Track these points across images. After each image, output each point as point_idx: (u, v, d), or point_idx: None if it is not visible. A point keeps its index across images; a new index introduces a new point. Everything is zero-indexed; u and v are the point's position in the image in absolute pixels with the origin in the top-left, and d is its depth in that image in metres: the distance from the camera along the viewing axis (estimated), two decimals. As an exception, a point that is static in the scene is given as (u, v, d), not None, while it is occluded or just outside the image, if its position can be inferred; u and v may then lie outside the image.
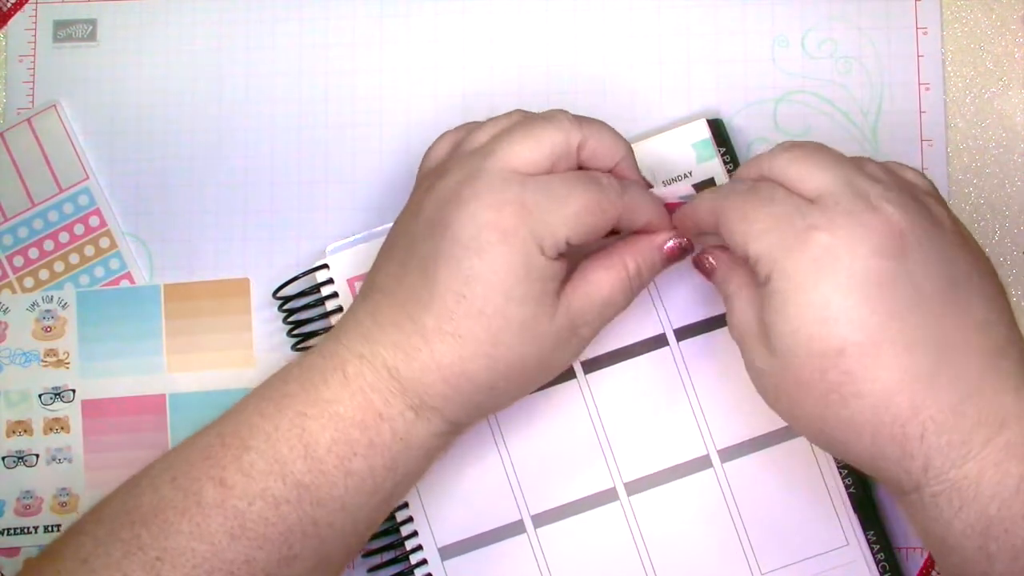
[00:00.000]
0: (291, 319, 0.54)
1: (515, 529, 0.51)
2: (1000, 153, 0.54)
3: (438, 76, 0.56)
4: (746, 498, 0.50)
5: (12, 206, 0.57)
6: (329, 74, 0.57)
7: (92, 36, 0.58)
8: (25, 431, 0.55)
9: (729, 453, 0.51)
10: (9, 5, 0.58)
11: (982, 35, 0.54)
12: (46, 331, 0.56)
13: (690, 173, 0.52)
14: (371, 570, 0.52)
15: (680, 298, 0.51)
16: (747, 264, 0.43)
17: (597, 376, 0.51)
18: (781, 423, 0.50)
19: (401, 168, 0.56)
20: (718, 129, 0.53)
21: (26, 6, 0.58)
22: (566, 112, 0.45)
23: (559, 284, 0.43)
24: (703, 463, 0.51)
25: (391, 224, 0.47)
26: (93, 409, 0.55)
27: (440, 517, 0.51)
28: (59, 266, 0.56)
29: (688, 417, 0.51)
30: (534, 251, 0.42)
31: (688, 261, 0.49)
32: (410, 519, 0.51)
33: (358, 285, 0.53)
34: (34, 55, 0.58)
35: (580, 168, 0.45)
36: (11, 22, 0.58)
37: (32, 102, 0.58)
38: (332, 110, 0.57)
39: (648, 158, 0.52)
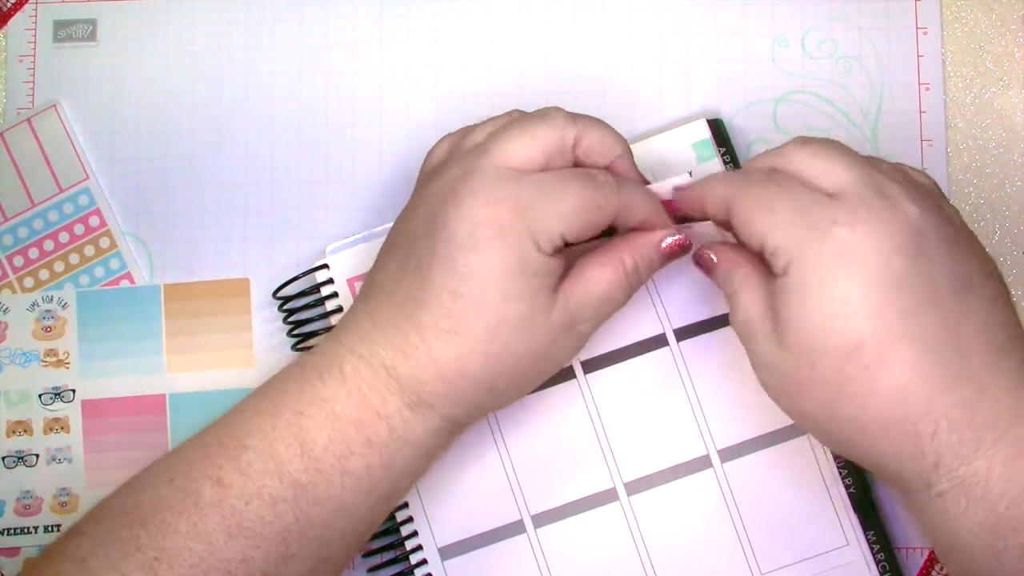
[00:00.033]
0: (291, 319, 0.54)
1: (515, 529, 0.51)
2: (1000, 153, 0.54)
3: (438, 76, 0.56)
4: (746, 498, 0.50)
5: (12, 206, 0.57)
6: (329, 74, 0.57)
7: (92, 36, 0.58)
8: (25, 431, 0.55)
9: (729, 453, 0.51)
10: (9, 5, 0.58)
11: (982, 35, 0.54)
12: (46, 331, 0.56)
13: (690, 173, 0.52)
14: (371, 570, 0.52)
15: (680, 298, 0.51)
16: (754, 257, 0.43)
17: (597, 376, 0.51)
18: (781, 423, 0.50)
19: (401, 168, 0.56)
20: (718, 129, 0.53)
21: (26, 6, 0.58)
22: (561, 109, 0.45)
23: (556, 280, 0.43)
24: (703, 463, 0.51)
25: (391, 224, 0.47)
26: (93, 409, 0.55)
27: (440, 517, 0.51)
28: (59, 266, 0.56)
29: (688, 417, 0.51)
30: (530, 247, 0.42)
31: (688, 262, 0.49)
32: (410, 519, 0.51)
33: (358, 285, 0.53)
34: (34, 55, 0.58)
35: (577, 165, 0.45)
36: (11, 22, 0.58)
37: (32, 102, 0.58)
38: (332, 110, 0.57)
39: (648, 158, 0.53)
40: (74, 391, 0.56)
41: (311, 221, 0.56)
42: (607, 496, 0.51)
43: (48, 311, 0.56)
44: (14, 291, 0.56)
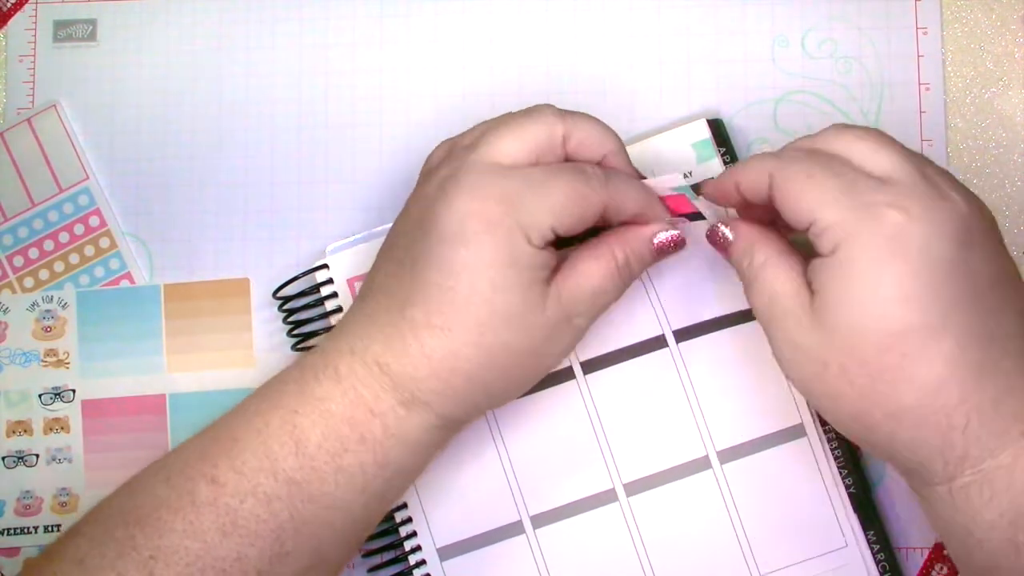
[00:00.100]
0: (291, 319, 0.54)
1: (514, 530, 0.51)
2: (1000, 153, 0.54)
3: (438, 76, 0.56)
4: (745, 499, 0.50)
5: (12, 206, 0.57)
6: (329, 74, 0.57)
7: (92, 36, 0.58)
8: (25, 431, 0.55)
9: (728, 454, 0.50)
10: (9, 5, 0.58)
11: (982, 35, 0.54)
12: (46, 331, 0.56)
13: (690, 173, 0.52)
14: (371, 570, 0.52)
15: (679, 299, 0.51)
16: (776, 235, 0.43)
17: (596, 377, 0.51)
18: (781, 424, 0.50)
19: (401, 168, 0.56)
20: (718, 129, 0.53)
21: (26, 6, 0.58)
22: (552, 106, 0.45)
23: (548, 273, 0.43)
24: (702, 464, 0.51)
25: (391, 224, 0.47)
26: (93, 409, 0.55)
27: (439, 518, 0.51)
28: (59, 266, 0.56)
29: (687, 418, 0.51)
30: (519, 240, 0.42)
31: (687, 263, 0.49)
32: (409, 519, 0.51)
33: (358, 285, 0.53)
34: (34, 55, 0.58)
35: (569, 161, 0.45)
36: (11, 22, 0.58)
37: (32, 102, 0.58)
38: (332, 110, 0.57)
39: (648, 158, 0.53)
40: (74, 391, 0.56)
41: (311, 221, 0.56)
42: (606, 497, 0.51)
43: (48, 311, 0.56)
44: (14, 291, 0.56)
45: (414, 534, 0.51)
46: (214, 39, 0.58)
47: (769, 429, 0.50)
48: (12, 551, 0.55)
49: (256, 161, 0.57)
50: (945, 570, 0.51)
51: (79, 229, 0.57)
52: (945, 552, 0.51)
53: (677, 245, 0.46)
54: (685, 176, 0.52)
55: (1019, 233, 0.53)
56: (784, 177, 0.41)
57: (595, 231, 0.46)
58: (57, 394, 0.56)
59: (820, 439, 0.50)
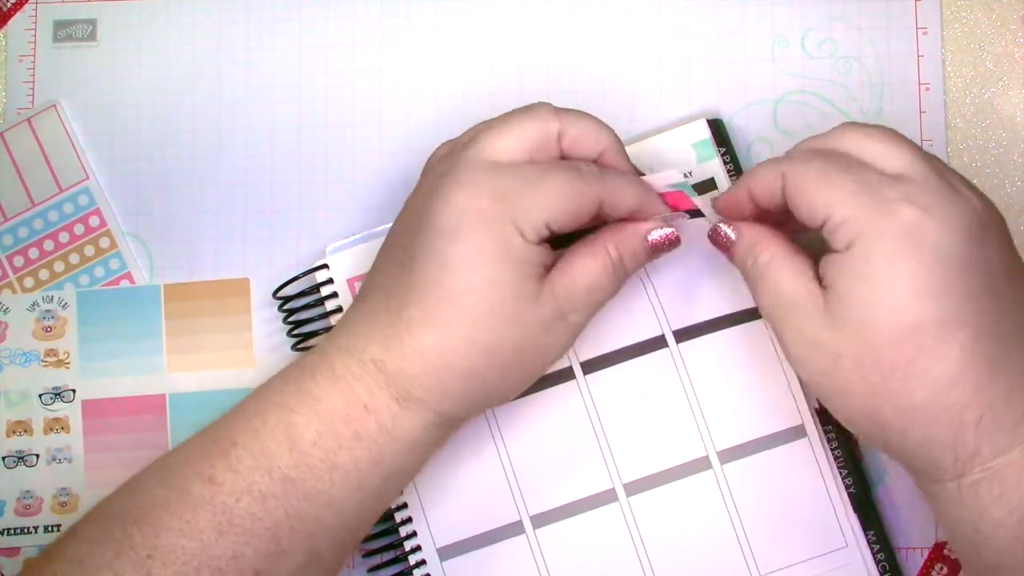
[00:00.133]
0: (291, 319, 0.54)
1: (514, 530, 0.51)
2: (1000, 153, 0.54)
3: (438, 76, 0.56)
4: (746, 499, 0.50)
5: (12, 206, 0.57)
6: (329, 74, 0.57)
7: (92, 36, 0.58)
8: (25, 431, 0.55)
9: (728, 454, 0.50)
10: (9, 5, 0.58)
11: (982, 35, 0.54)
12: (46, 331, 0.56)
13: (690, 173, 0.52)
14: (371, 570, 0.52)
15: (679, 300, 0.51)
16: (780, 234, 0.43)
17: (596, 377, 0.51)
18: (781, 425, 0.50)
19: (401, 168, 0.56)
20: (718, 129, 0.53)
21: (26, 6, 0.58)
22: (547, 104, 0.46)
23: (542, 269, 0.43)
24: (702, 464, 0.51)
25: (391, 224, 0.47)
26: (93, 409, 0.55)
27: (439, 517, 0.51)
28: (59, 266, 0.56)
29: (687, 418, 0.51)
30: (513, 234, 0.42)
31: (687, 262, 0.49)
32: (409, 519, 0.51)
33: (358, 285, 0.53)
34: (34, 55, 0.58)
35: (565, 159, 0.45)
36: (11, 22, 0.58)
37: (32, 102, 0.58)
38: (332, 110, 0.57)
39: (648, 158, 0.53)
40: (74, 391, 0.56)
41: (311, 221, 0.56)
42: (606, 497, 0.51)
43: (48, 311, 0.56)
44: (14, 291, 0.56)
45: (414, 534, 0.51)
46: (214, 39, 0.58)
47: (769, 429, 0.50)
48: (12, 551, 0.55)
49: (256, 161, 0.57)
50: (945, 570, 0.51)
51: (79, 229, 0.57)
52: (945, 552, 0.51)
53: (672, 243, 0.46)
54: (685, 176, 0.52)
55: (1019, 233, 0.53)
56: (797, 176, 0.41)
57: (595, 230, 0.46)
58: (57, 394, 0.56)
59: (820, 439, 0.50)
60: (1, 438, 0.55)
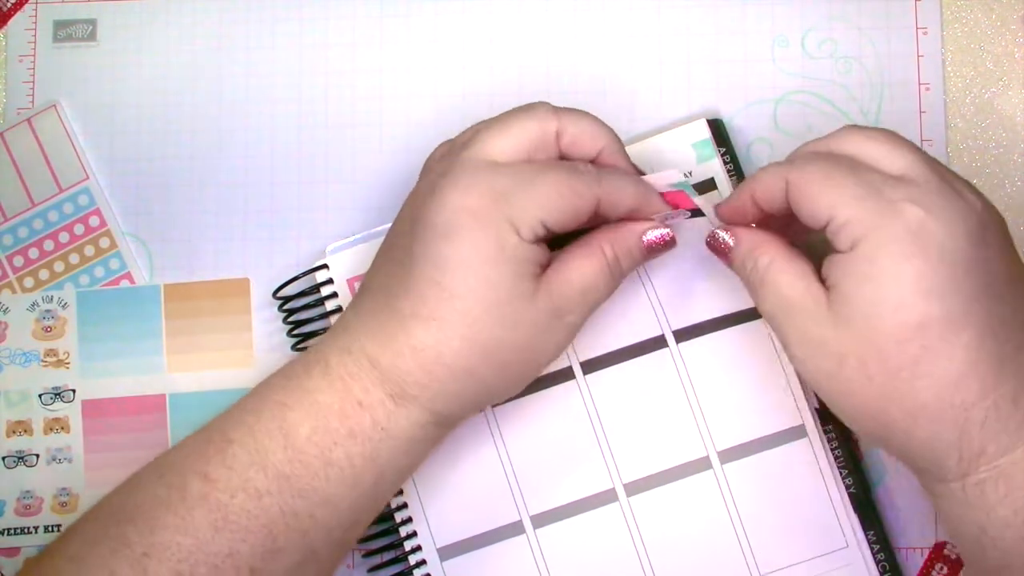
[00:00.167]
0: (291, 319, 0.54)
1: (514, 530, 0.51)
2: (1000, 153, 0.54)
3: (438, 76, 0.56)
4: (746, 499, 0.50)
5: (12, 206, 0.57)
6: (329, 74, 0.57)
7: (92, 36, 0.58)
8: (25, 431, 0.55)
9: (729, 455, 0.50)
10: (9, 5, 0.58)
11: (982, 35, 0.54)
12: (46, 331, 0.56)
13: (690, 173, 0.52)
14: (371, 570, 0.52)
15: (679, 299, 0.51)
16: (778, 237, 0.43)
17: (596, 377, 0.51)
18: (781, 425, 0.50)
19: (401, 168, 0.56)
20: (718, 129, 0.53)
21: (26, 6, 0.58)
22: (546, 103, 0.46)
23: (538, 268, 0.44)
24: (703, 464, 0.51)
25: (391, 224, 0.48)
26: (93, 409, 0.55)
27: (439, 517, 0.51)
28: (59, 266, 0.56)
29: (687, 419, 0.51)
30: (508, 232, 0.42)
31: (687, 263, 0.49)
32: (409, 519, 0.51)
33: (358, 285, 0.53)
34: (34, 55, 0.58)
35: (564, 158, 0.45)
36: (11, 22, 0.58)
37: (32, 102, 0.58)
38: (332, 110, 0.57)
39: (648, 158, 0.53)
40: (74, 391, 0.56)
41: (311, 221, 0.56)
42: (606, 497, 0.51)
43: (48, 311, 0.56)
44: (14, 291, 0.56)
45: (414, 534, 0.51)
46: (214, 39, 0.58)
47: (769, 429, 0.50)
48: (12, 551, 0.55)
49: (256, 161, 0.57)
50: (945, 570, 0.51)
51: (79, 229, 0.57)
52: (945, 552, 0.51)
53: (667, 244, 0.46)
54: (685, 176, 0.52)
55: (1019, 233, 0.53)
56: (800, 178, 0.42)
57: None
58: (57, 394, 0.56)
59: (820, 439, 0.50)
60: (1, 438, 0.55)
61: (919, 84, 0.54)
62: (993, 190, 0.53)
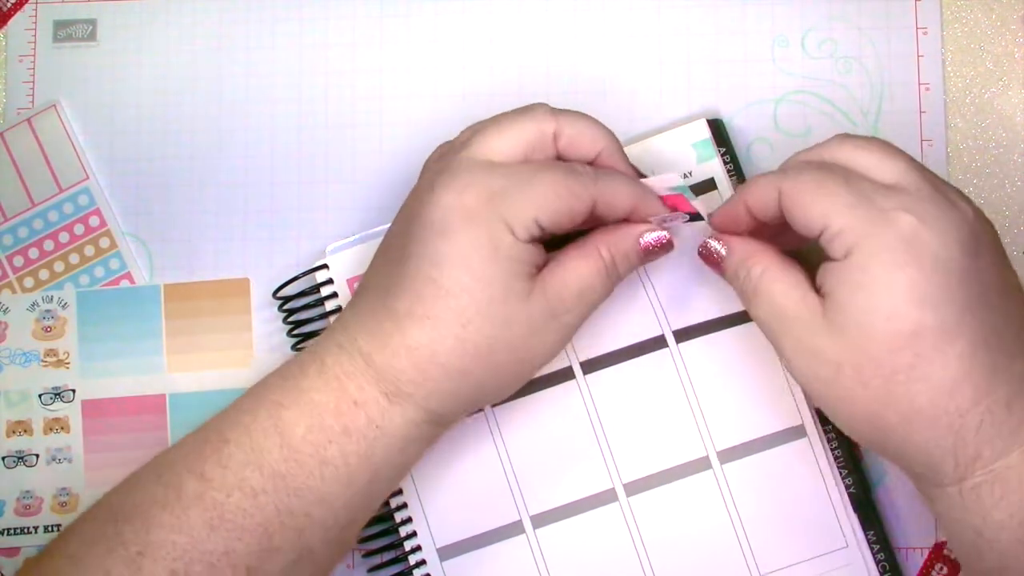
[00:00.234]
0: (291, 319, 0.54)
1: (514, 530, 0.51)
2: (1000, 153, 0.54)
3: (438, 76, 0.56)
4: (745, 499, 0.50)
5: (12, 206, 0.57)
6: (329, 74, 0.57)
7: (92, 36, 0.58)
8: (25, 431, 0.55)
9: (728, 454, 0.50)
10: (9, 5, 0.58)
11: (982, 35, 0.54)
12: (46, 331, 0.56)
13: (690, 173, 0.52)
14: (371, 570, 0.52)
15: (679, 300, 0.51)
16: (770, 246, 0.43)
17: (596, 377, 0.51)
18: (781, 425, 0.50)
19: (401, 168, 0.56)
20: (718, 129, 0.53)
21: (26, 6, 0.58)
22: (544, 104, 0.46)
23: (533, 268, 0.44)
24: (702, 464, 0.51)
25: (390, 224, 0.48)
26: (93, 409, 0.55)
27: (439, 517, 0.51)
28: (59, 266, 0.56)
29: (687, 419, 0.51)
30: (503, 231, 0.42)
31: (687, 263, 0.49)
32: (409, 519, 0.51)
33: (358, 285, 0.53)
34: (34, 55, 0.58)
35: (561, 160, 0.45)
36: (11, 22, 0.58)
37: (32, 102, 0.58)
38: (332, 110, 0.57)
39: (648, 158, 0.52)
40: (74, 391, 0.56)
41: (311, 221, 0.56)
42: (606, 497, 0.51)
43: (48, 311, 0.56)
44: (14, 291, 0.56)
45: (414, 534, 0.51)
46: (214, 39, 0.58)
47: (769, 429, 0.50)
48: (12, 551, 0.55)
49: (256, 161, 0.57)
50: (945, 570, 0.51)
51: (79, 229, 0.57)
52: (945, 552, 0.51)
53: (664, 247, 0.46)
54: (685, 176, 0.52)
55: (1019, 233, 0.53)
56: (793, 188, 0.42)
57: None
58: (57, 394, 0.56)
59: (820, 439, 0.50)
60: (1, 438, 0.55)
61: (919, 84, 0.54)
62: (993, 190, 0.53)
